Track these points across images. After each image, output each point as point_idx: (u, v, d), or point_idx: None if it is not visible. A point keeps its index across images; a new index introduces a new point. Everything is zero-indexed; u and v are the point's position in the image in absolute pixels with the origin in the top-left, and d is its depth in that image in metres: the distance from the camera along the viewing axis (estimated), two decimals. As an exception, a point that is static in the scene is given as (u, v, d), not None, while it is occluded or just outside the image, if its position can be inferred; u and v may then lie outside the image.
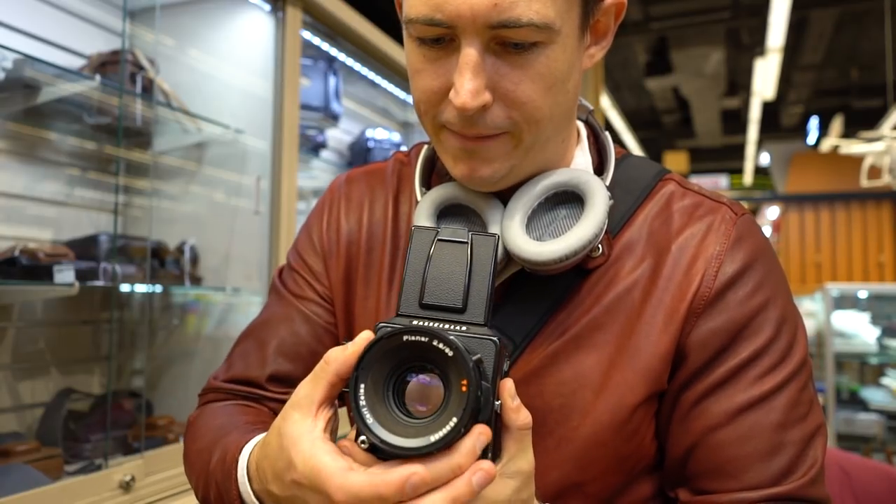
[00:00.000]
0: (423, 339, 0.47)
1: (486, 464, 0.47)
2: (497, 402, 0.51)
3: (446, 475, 0.46)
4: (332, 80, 2.47)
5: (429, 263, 0.56)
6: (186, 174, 2.08)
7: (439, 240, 0.57)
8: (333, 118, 2.50)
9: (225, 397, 0.80)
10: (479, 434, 0.48)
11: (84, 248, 1.68)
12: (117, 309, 1.90)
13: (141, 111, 1.80)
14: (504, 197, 0.71)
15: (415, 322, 0.53)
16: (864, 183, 5.06)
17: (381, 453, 0.47)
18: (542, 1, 0.58)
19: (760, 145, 9.95)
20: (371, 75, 2.80)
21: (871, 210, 7.70)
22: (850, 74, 7.55)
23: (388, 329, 0.49)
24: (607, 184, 0.71)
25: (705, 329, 0.66)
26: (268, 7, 2.06)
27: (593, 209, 0.66)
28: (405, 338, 0.48)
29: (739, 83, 7.95)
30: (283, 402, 0.55)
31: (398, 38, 2.53)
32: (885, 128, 5.69)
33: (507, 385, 0.53)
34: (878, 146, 4.65)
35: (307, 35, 2.28)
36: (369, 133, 2.83)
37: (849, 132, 5.37)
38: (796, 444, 0.64)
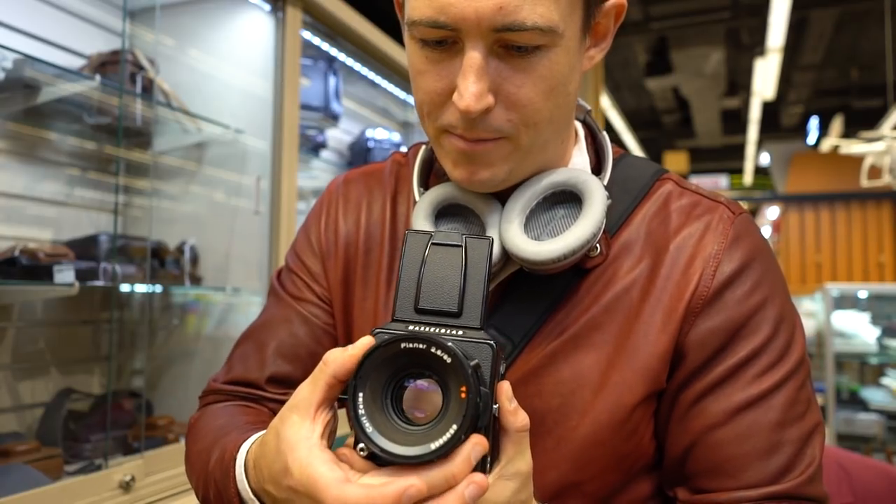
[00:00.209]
0: (420, 346, 0.48)
1: (479, 476, 0.47)
2: (495, 406, 0.51)
3: (441, 486, 0.46)
4: (332, 80, 2.47)
5: (423, 267, 0.56)
6: (186, 174, 2.08)
7: (433, 243, 0.57)
8: (333, 118, 2.50)
9: (225, 399, 0.80)
10: (475, 444, 0.47)
11: (84, 248, 1.68)
12: (117, 309, 1.90)
13: (141, 111, 1.80)
14: (502, 197, 0.71)
15: (411, 327, 0.53)
16: (864, 183, 5.06)
17: (381, 461, 0.47)
18: (546, 4, 0.58)
19: (760, 145, 9.95)
20: (371, 75, 2.80)
21: (871, 210, 7.70)
22: (850, 74, 7.55)
23: (386, 336, 0.49)
24: (605, 183, 0.71)
25: (703, 328, 0.66)
26: (268, 7, 2.06)
27: (591, 209, 0.66)
28: (403, 345, 0.48)
29: (739, 83, 7.95)
30: (283, 403, 0.55)
31: (398, 38, 2.53)
32: (885, 128, 5.69)
33: (505, 388, 0.53)
34: (878, 146, 4.65)
35: (307, 35, 2.28)
36: (369, 133, 2.83)
37: (849, 132, 5.37)
38: (794, 442, 0.64)
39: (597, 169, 0.75)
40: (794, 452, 0.64)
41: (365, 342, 0.51)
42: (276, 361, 0.79)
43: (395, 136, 2.94)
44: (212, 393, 0.82)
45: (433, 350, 0.47)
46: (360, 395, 0.48)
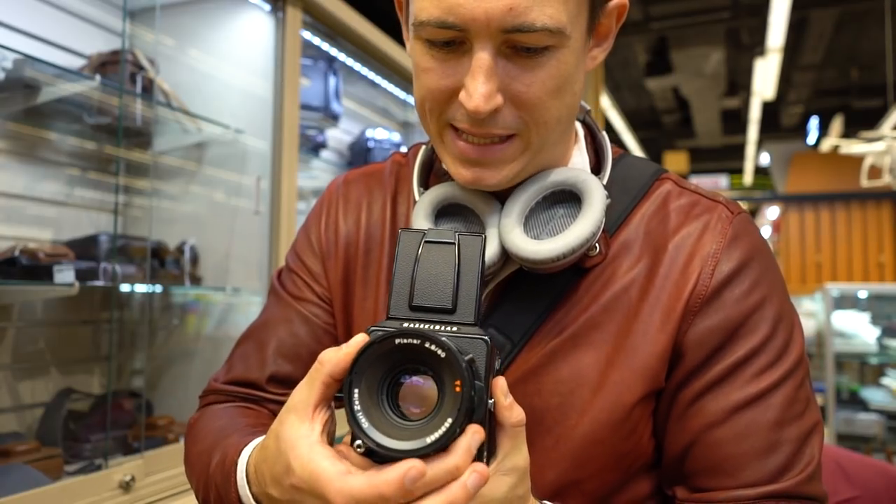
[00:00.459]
0: (415, 341, 0.48)
1: (480, 466, 0.47)
2: (490, 401, 0.51)
3: (444, 477, 0.46)
4: (332, 80, 2.47)
5: (417, 265, 0.56)
6: (186, 174, 2.09)
7: (426, 241, 0.57)
8: (333, 118, 2.50)
9: (225, 399, 0.80)
10: (474, 433, 0.48)
11: (84, 248, 1.68)
12: (117, 309, 1.90)
13: (141, 111, 1.81)
14: (502, 196, 0.71)
15: (406, 324, 0.54)
16: (864, 183, 5.06)
17: (378, 457, 0.47)
18: (555, 6, 0.58)
19: (760, 145, 9.94)
20: (371, 75, 2.80)
21: (871, 210, 7.69)
22: (850, 74, 7.55)
23: (380, 333, 0.49)
24: (604, 183, 0.71)
25: (702, 327, 0.67)
26: (268, 7, 2.06)
27: (591, 208, 0.66)
28: (397, 341, 0.48)
29: (739, 83, 7.95)
30: (283, 403, 0.55)
31: (398, 38, 2.53)
32: (885, 128, 5.70)
33: (500, 383, 0.53)
34: (878, 146, 4.65)
35: (307, 35, 2.28)
36: (369, 133, 2.84)
37: (849, 132, 5.37)
38: (793, 441, 0.65)
39: (596, 169, 0.75)
40: (792, 451, 0.64)
41: (359, 340, 0.51)
42: (276, 361, 0.79)
43: (395, 137, 2.94)
44: (212, 393, 0.82)
45: (427, 345, 0.47)
46: (356, 391, 0.48)
